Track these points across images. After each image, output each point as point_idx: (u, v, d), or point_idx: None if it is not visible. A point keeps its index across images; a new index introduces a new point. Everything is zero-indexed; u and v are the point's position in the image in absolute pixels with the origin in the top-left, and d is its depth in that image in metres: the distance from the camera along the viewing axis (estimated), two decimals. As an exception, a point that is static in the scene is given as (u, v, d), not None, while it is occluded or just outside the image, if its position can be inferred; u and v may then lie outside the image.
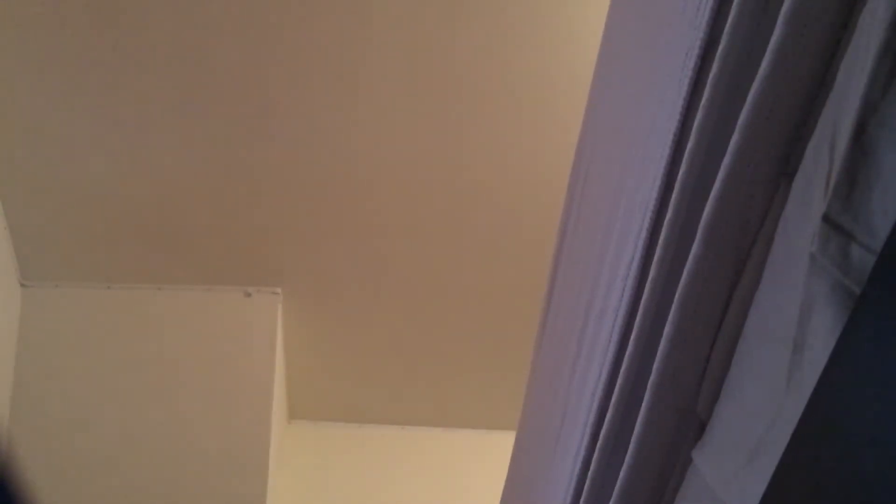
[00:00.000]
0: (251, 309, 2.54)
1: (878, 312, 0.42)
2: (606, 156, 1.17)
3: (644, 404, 0.70)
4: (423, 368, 2.79)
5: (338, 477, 2.78)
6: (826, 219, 0.49)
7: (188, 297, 2.53)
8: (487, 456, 2.58)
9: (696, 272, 0.63)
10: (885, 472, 0.40)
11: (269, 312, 2.54)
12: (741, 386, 0.62)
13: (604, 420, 0.82)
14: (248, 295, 2.54)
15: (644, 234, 0.79)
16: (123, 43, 2.14)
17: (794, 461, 0.49)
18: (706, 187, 0.64)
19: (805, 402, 0.48)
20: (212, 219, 2.45)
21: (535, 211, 2.38)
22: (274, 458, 2.58)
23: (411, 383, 2.83)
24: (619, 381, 0.78)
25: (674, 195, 0.70)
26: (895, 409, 0.40)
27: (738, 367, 0.63)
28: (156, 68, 2.18)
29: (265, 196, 2.41)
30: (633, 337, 0.76)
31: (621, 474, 0.74)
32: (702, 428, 0.67)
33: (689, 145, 0.68)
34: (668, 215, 0.71)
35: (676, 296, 0.65)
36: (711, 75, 0.65)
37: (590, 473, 0.84)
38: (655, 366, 0.68)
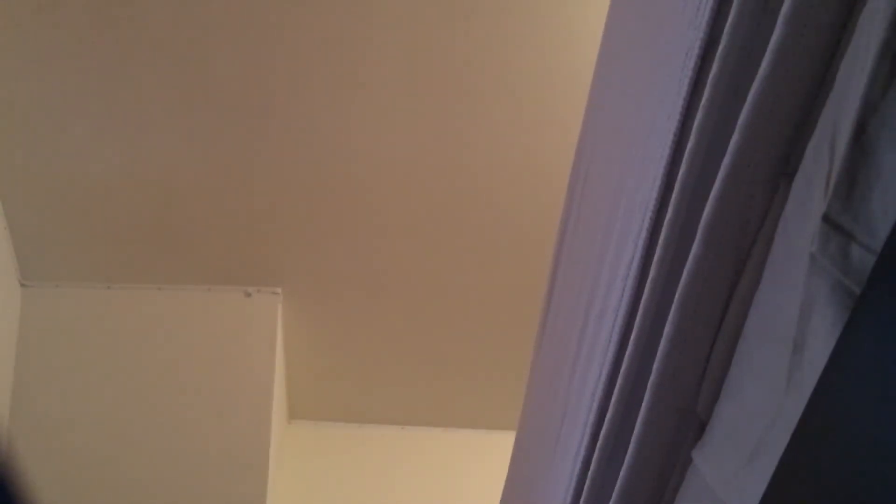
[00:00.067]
0: (251, 309, 2.54)
1: (878, 312, 0.42)
2: (606, 156, 1.17)
3: (644, 404, 0.70)
4: (423, 368, 2.79)
5: (338, 477, 2.78)
6: (826, 219, 0.49)
7: (188, 297, 2.53)
8: (487, 456, 2.58)
9: (696, 272, 0.63)
10: (885, 472, 0.40)
11: (269, 312, 2.55)
12: (741, 386, 0.62)
13: (604, 420, 0.82)
14: (248, 295, 2.54)
15: (644, 234, 0.79)
16: (124, 43, 2.14)
17: (794, 461, 0.49)
18: (706, 187, 0.64)
19: (805, 402, 0.48)
20: (212, 219, 2.45)
21: (535, 211, 2.38)
22: (274, 458, 2.58)
23: (411, 383, 2.83)
24: (619, 381, 0.78)
25: (674, 195, 0.70)
26: (895, 409, 0.40)
27: (738, 367, 0.63)
28: (156, 68, 2.19)
29: (265, 196, 2.41)
30: (633, 337, 0.76)
31: (621, 474, 0.74)
32: (702, 428, 0.67)
33: (689, 145, 0.68)
34: (668, 215, 0.71)
35: (676, 296, 0.65)
36: (711, 75, 0.65)
37: (590, 473, 0.84)
38: (655, 366, 0.68)
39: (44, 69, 2.17)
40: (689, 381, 0.67)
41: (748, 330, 0.62)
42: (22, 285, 2.48)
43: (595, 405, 0.87)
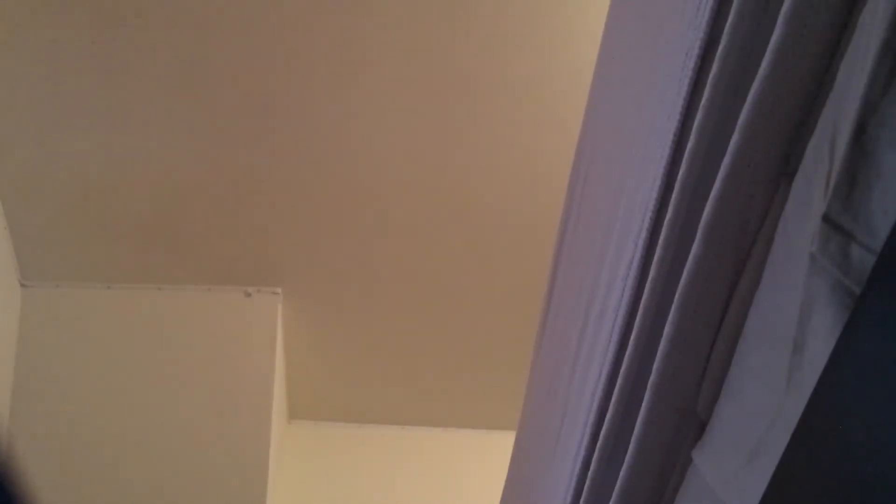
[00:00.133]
0: (251, 309, 2.54)
1: (878, 312, 0.42)
2: (606, 156, 1.17)
3: (644, 404, 0.70)
4: (423, 368, 2.79)
5: (338, 477, 2.78)
6: (826, 219, 0.49)
7: (188, 297, 2.53)
8: (487, 456, 2.59)
9: (696, 272, 0.63)
10: (885, 472, 0.40)
11: (269, 312, 2.55)
12: (741, 386, 0.62)
13: (604, 420, 0.82)
14: (248, 295, 2.54)
15: (644, 234, 0.79)
16: (124, 43, 2.14)
17: (794, 461, 0.49)
18: (706, 187, 0.64)
19: (805, 402, 0.48)
20: (212, 219, 2.45)
21: (535, 211, 2.38)
22: (274, 458, 2.58)
23: (411, 383, 2.83)
24: (619, 381, 0.78)
25: (674, 195, 0.70)
26: (895, 409, 0.40)
27: (738, 367, 0.63)
28: (156, 68, 2.19)
29: (265, 196, 2.41)
30: (633, 337, 0.76)
31: (621, 474, 0.74)
32: (702, 428, 0.67)
33: (689, 145, 0.68)
34: (668, 215, 0.71)
35: (676, 296, 0.65)
36: (711, 75, 0.65)
37: (590, 473, 0.84)
38: (655, 366, 0.68)
39: (44, 69, 2.17)
40: (689, 381, 0.67)
41: (748, 330, 0.62)
42: (22, 285, 2.48)
43: (595, 405, 0.87)
